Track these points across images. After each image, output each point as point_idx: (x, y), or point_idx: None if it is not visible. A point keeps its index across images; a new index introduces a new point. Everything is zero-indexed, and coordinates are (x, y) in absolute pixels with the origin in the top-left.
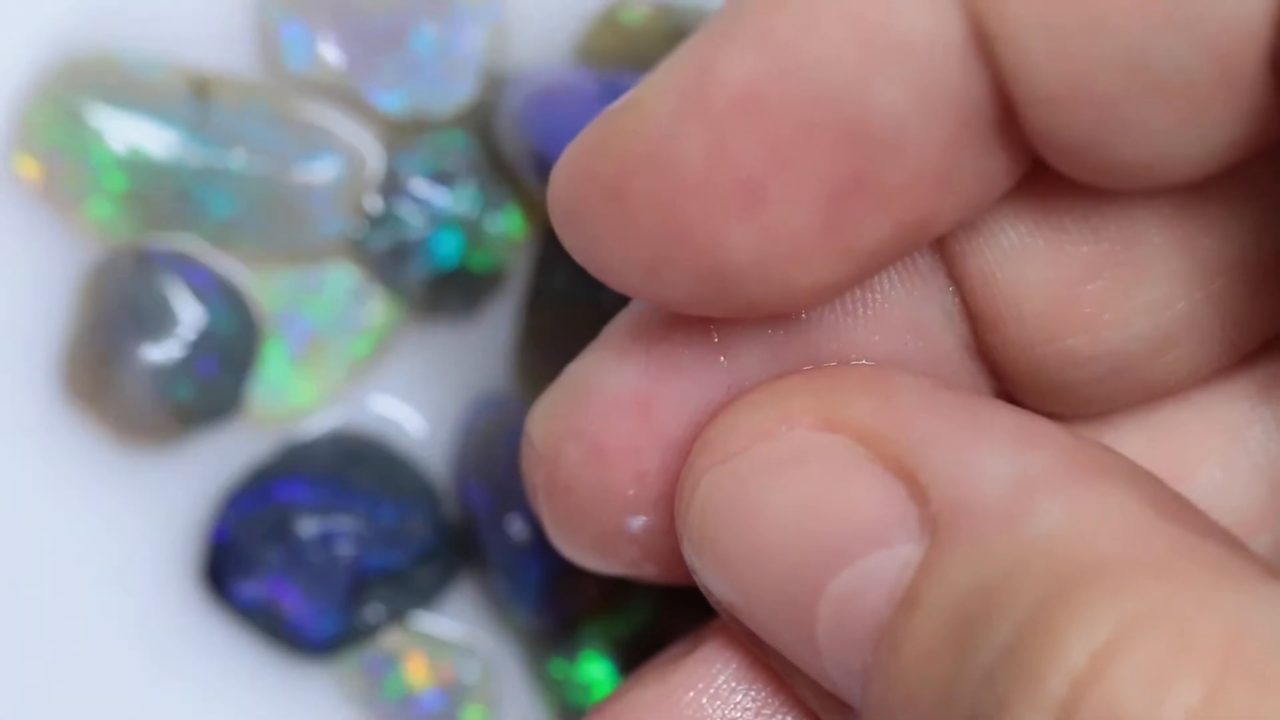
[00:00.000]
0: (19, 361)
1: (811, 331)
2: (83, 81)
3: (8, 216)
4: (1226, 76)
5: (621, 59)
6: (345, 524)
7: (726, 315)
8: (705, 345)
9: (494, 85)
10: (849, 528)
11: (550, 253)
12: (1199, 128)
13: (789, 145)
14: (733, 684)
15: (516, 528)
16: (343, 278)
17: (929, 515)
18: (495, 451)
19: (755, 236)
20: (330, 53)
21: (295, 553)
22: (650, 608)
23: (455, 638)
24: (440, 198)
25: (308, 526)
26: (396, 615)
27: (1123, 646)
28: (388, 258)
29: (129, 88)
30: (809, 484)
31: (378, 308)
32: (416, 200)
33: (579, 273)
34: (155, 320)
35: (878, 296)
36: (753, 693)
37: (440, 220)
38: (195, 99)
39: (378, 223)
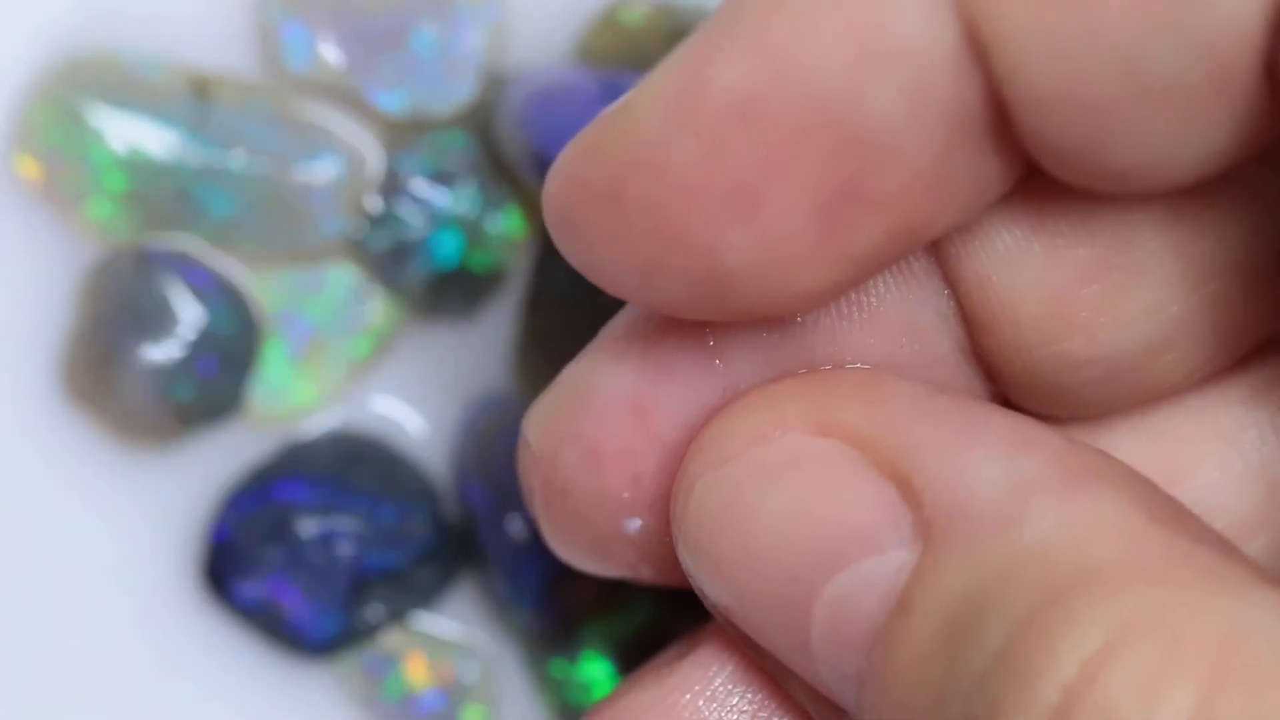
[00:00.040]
0: (19, 361)
1: (807, 335)
2: (83, 81)
3: (8, 216)
4: (1220, 81)
5: (621, 59)
6: (345, 524)
7: (721, 319)
8: (700, 349)
9: (494, 85)
10: (843, 532)
11: (550, 253)
12: (1193, 132)
13: (783, 150)
14: (729, 687)
15: (516, 528)
16: (343, 278)
17: (923, 520)
18: (495, 451)
19: (749, 241)
20: (330, 53)
21: (295, 553)
22: (650, 608)
23: (455, 638)
24: (440, 198)
25: (308, 526)
26: (396, 615)
27: (1116, 652)
28: (388, 258)
29: (129, 88)
30: (803, 488)
31: (378, 308)
32: (416, 200)
33: (578, 273)
34: (155, 320)
35: (873, 300)
36: (749, 695)
37: (440, 220)
38: (195, 99)
39: (378, 223)
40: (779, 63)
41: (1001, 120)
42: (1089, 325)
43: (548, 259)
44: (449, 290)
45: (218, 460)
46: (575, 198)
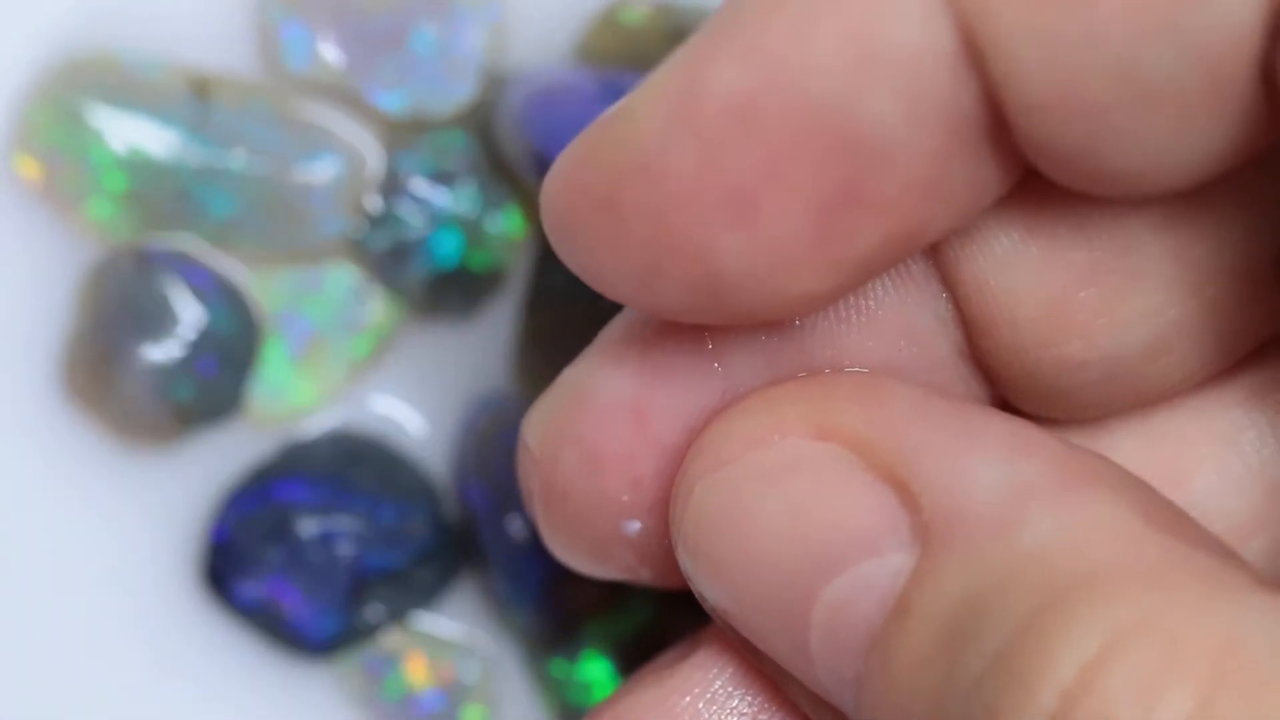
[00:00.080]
0: (19, 361)
1: (805, 338)
2: (83, 81)
3: (8, 216)
4: (1216, 85)
5: (621, 59)
6: (345, 524)
7: (720, 323)
8: (699, 352)
9: (494, 85)
10: (841, 536)
11: (550, 253)
12: (1190, 136)
13: (780, 155)
14: (729, 689)
15: (516, 528)
16: (343, 278)
17: (921, 523)
18: (495, 451)
19: (747, 246)
20: (330, 53)
21: (295, 553)
22: (650, 608)
23: (455, 638)
24: (440, 198)
25: (308, 526)
26: (396, 615)
27: (1114, 656)
28: (388, 258)
29: (129, 88)
30: (802, 492)
31: (378, 308)
32: (416, 200)
33: None
34: (155, 320)
35: (871, 303)
36: (748, 698)
37: (440, 220)
38: (195, 99)
39: (378, 223)
40: (776, 67)
41: (998, 124)
42: (1087, 328)
43: (548, 259)
44: (449, 290)
45: (218, 460)
46: (573, 202)
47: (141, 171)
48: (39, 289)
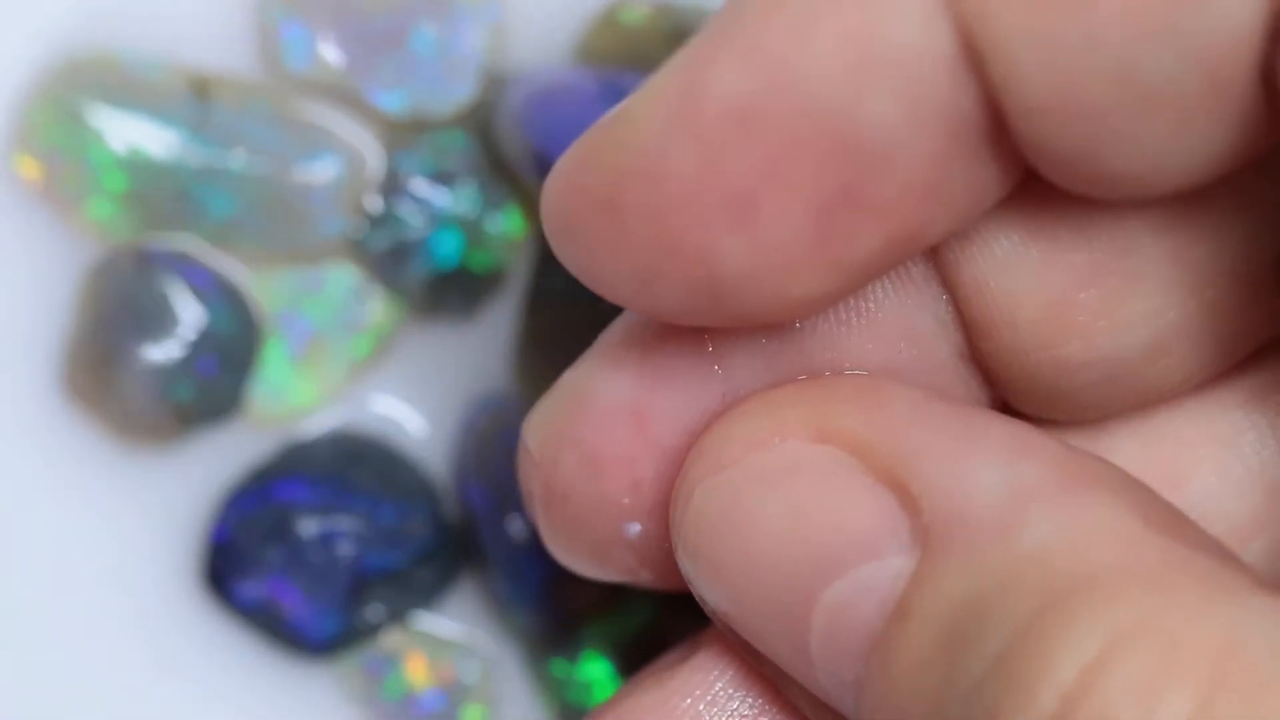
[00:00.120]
0: (19, 361)
1: (805, 340)
2: (83, 81)
3: (8, 216)
4: (1216, 87)
5: (621, 59)
6: (345, 524)
7: (720, 325)
8: (700, 354)
9: (494, 85)
10: (841, 538)
11: (550, 253)
12: (1189, 138)
13: (780, 158)
14: (729, 691)
15: (516, 528)
16: (343, 278)
17: (921, 526)
18: (495, 451)
19: (747, 248)
20: (330, 53)
21: (295, 553)
22: (650, 608)
23: (455, 638)
24: (440, 198)
25: (308, 526)
26: (396, 615)
27: (1114, 658)
28: (388, 258)
29: (129, 88)
30: (802, 495)
31: (378, 308)
32: (416, 200)
33: None
34: (155, 320)
35: (871, 305)
36: (749, 700)
37: (440, 220)
38: (195, 99)
39: (378, 223)
40: (776, 70)
41: (998, 126)
42: (1086, 330)
43: (548, 259)
44: (449, 290)
45: (218, 460)
46: (573, 205)
47: (142, 171)
48: (39, 289)
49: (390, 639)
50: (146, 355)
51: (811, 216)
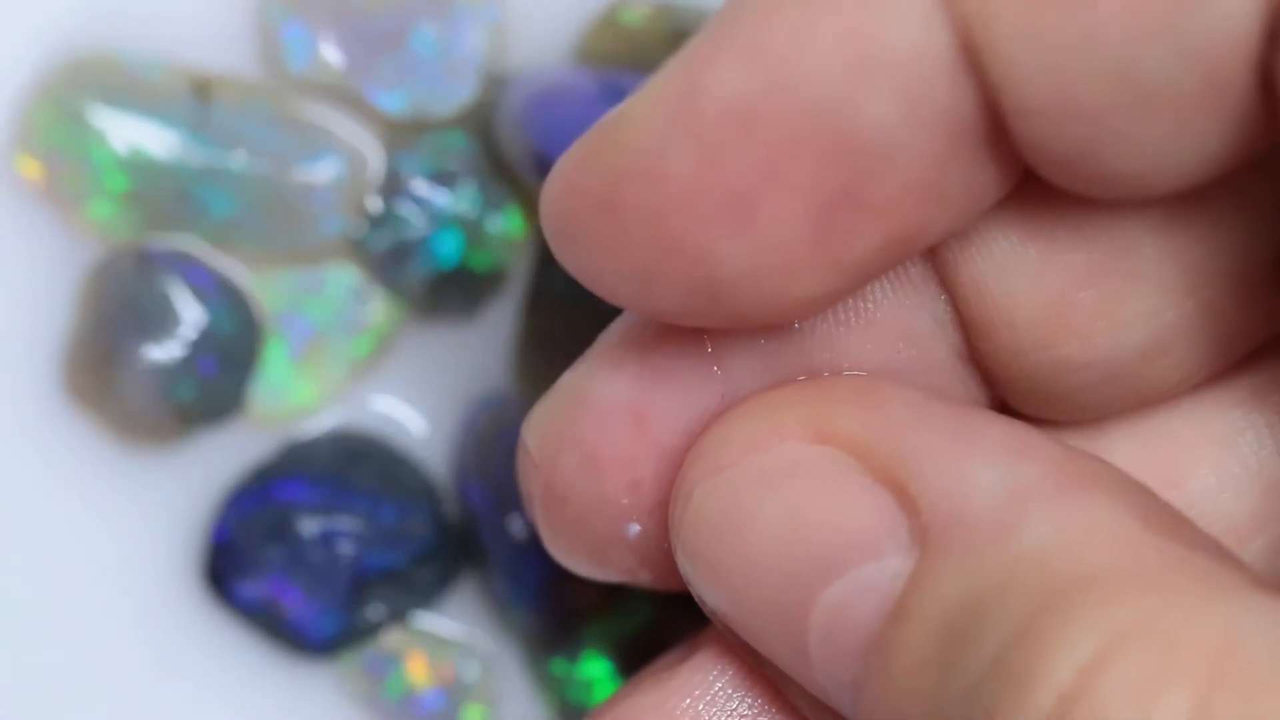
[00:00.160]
0: (19, 361)
1: (804, 341)
2: (84, 82)
3: (9, 216)
4: (1214, 88)
5: (621, 59)
6: (346, 524)
7: (719, 326)
8: (699, 355)
9: (494, 85)
10: (840, 539)
11: (550, 253)
12: (1187, 139)
13: (779, 159)
14: (729, 691)
15: (516, 528)
16: (343, 278)
17: (919, 527)
18: (495, 451)
19: (746, 249)
20: (330, 53)
21: (296, 552)
22: (650, 608)
23: (455, 637)
24: (440, 198)
25: (308, 526)
26: (397, 615)
27: (1111, 659)
28: (388, 258)
29: (130, 88)
30: (800, 496)
31: (378, 308)
32: (417, 200)
33: None
34: (156, 320)
35: (870, 306)
36: (748, 700)
37: (440, 220)
38: (196, 99)
39: (378, 223)
40: (775, 71)
41: (997, 127)
42: (1085, 330)
43: (548, 259)
44: (449, 290)
45: (218, 460)
46: (572, 206)
47: (142, 172)
48: (40, 289)
49: (390, 639)
50: (147, 355)
51: (811, 217)
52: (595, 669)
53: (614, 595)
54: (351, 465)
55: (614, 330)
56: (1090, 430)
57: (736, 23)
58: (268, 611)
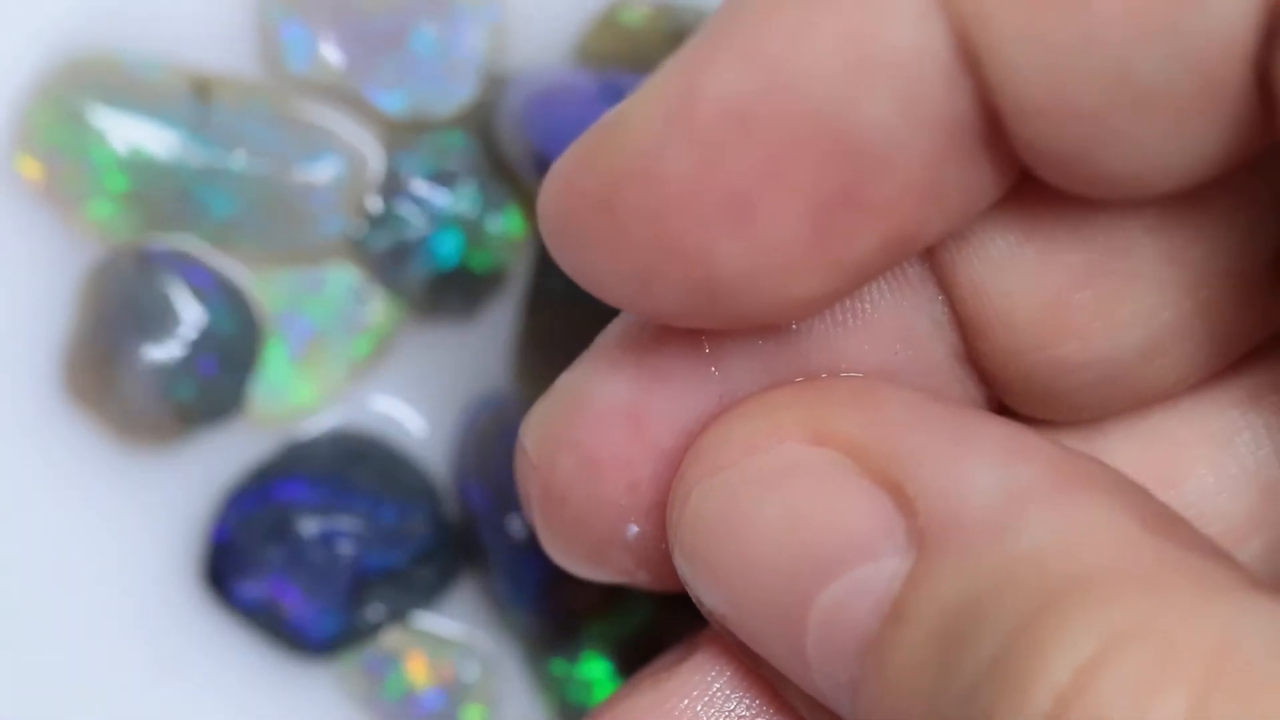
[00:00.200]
0: (19, 361)
1: (802, 342)
2: (84, 82)
3: (9, 216)
4: (1211, 88)
5: (621, 59)
6: (346, 524)
7: (717, 327)
8: (697, 356)
9: (494, 85)
10: (837, 540)
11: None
12: (1184, 139)
13: (777, 159)
14: (727, 692)
15: (516, 528)
16: (343, 278)
17: (916, 528)
18: (495, 451)
19: (744, 249)
20: (330, 53)
21: (296, 552)
22: (650, 608)
23: (455, 637)
24: (440, 198)
25: (308, 526)
26: (397, 615)
27: (1108, 659)
28: (388, 258)
29: (130, 88)
30: (798, 497)
31: (378, 308)
32: (417, 200)
33: None
34: (156, 320)
35: (868, 307)
36: (746, 700)
37: (440, 220)
38: (196, 99)
39: (378, 223)
40: (773, 71)
41: (994, 127)
42: (1083, 330)
43: (548, 259)
44: (449, 290)
45: (218, 460)
46: (570, 207)
47: (142, 172)
48: (40, 289)
49: (390, 639)
50: (147, 355)
51: (809, 217)
52: (595, 669)
53: (613, 596)
54: (351, 465)
55: (612, 331)
56: (1088, 430)
57: (735, 23)
58: (268, 611)
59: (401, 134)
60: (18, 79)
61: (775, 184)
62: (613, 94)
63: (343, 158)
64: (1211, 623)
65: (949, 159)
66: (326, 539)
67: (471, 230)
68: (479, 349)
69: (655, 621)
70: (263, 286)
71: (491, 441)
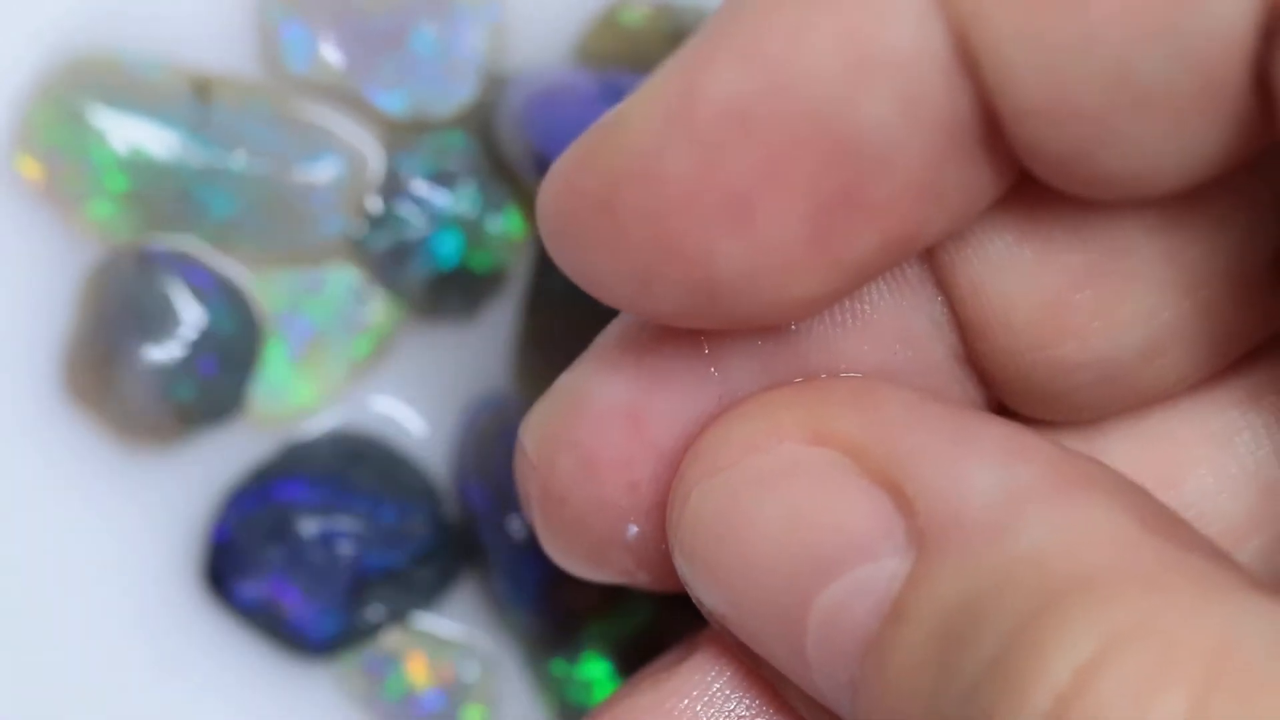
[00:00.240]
0: (20, 361)
1: (801, 342)
2: (84, 82)
3: (9, 216)
4: (1210, 89)
5: (621, 59)
6: (345, 524)
7: (716, 327)
8: (696, 357)
9: (494, 85)
10: (837, 540)
11: None
12: (1183, 140)
13: (776, 159)
14: (726, 692)
15: (516, 528)
16: (343, 278)
17: (916, 528)
18: (495, 451)
19: (744, 250)
20: (330, 53)
21: (296, 553)
22: (650, 608)
23: (455, 638)
24: (440, 198)
25: (308, 526)
26: (397, 615)
27: (1108, 659)
28: (388, 258)
29: (130, 88)
30: (798, 497)
31: (378, 308)
32: (417, 200)
33: None
34: (156, 320)
35: (867, 307)
36: (746, 701)
37: (440, 220)
38: (196, 99)
39: (378, 223)
40: (772, 71)
41: (993, 128)
42: (1082, 330)
43: (548, 259)
44: (449, 290)
45: (218, 460)
46: (570, 207)
47: (142, 172)
48: (40, 289)
49: (390, 639)
50: (147, 355)
51: (809, 217)
52: (595, 669)
53: (613, 596)
54: (351, 465)
55: (612, 331)
56: (1088, 431)
57: (734, 23)
58: (268, 611)
59: (401, 134)
60: (18, 79)
61: (775, 184)
62: (613, 94)
63: (343, 158)
64: (1211, 623)
65: (948, 159)
66: (326, 539)
67: (471, 230)
68: (479, 349)
69: (655, 621)
70: (263, 286)
71: (491, 441)
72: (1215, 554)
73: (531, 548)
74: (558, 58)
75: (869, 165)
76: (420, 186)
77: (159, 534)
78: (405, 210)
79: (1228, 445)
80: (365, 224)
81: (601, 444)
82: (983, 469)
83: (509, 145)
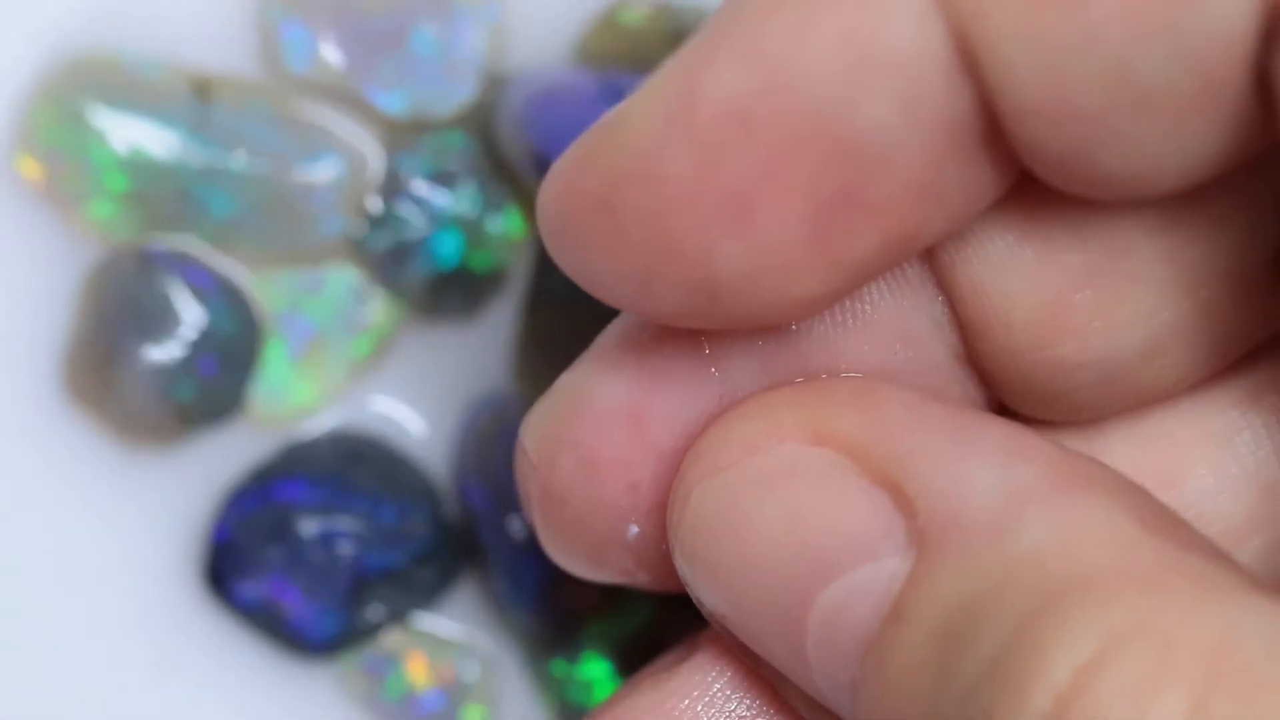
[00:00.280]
0: (20, 361)
1: (802, 342)
2: (84, 82)
3: (9, 216)
4: (1210, 89)
5: (621, 59)
6: (345, 524)
7: (717, 327)
8: (696, 357)
9: (494, 85)
10: (837, 540)
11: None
12: (1183, 140)
13: (777, 159)
14: (727, 692)
15: (516, 528)
16: (343, 278)
17: (916, 528)
18: (495, 451)
19: (744, 250)
20: (330, 53)
21: (296, 553)
22: (650, 609)
23: (455, 638)
24: (440, 198)
25: (308, 526)
26: (397, 615)
27: (1108, 660)
28: (388, 258)
29: (130, 88)
30: (798, 497)
31: (378, 308)
32: (417, 200)
33: None
34: (156, 320)
35: (867, 307)
36: (746, 701)
37: (440, 220)
38: (196, 99)
39: (378, 223)
40: (773, 71)
41: (993, 128)
42: (1082, 330)
43: (548, 259)
44: (449, 290)
45: (218, 460)
46: (570, 207)
47: (142, 172)
48: (40, 289)
49: (390, 639)
50: (147, 355)
51: (809, 217)
52: (595, 670)
53: (613, 596)
54: (351, 465)
55: (612, 331)
56: (1088, 430)
57: (734, 23)
58: (267, 611)
59: (401, 134)
60: (18, 79)
61: (775, 184)
62: (613, 95)
63: (343, 158)
64: (1211, 623)
65: (949, 159)
66: (326, 539)
67: (471, 230)
68: (479, 349)
69: (655, 621)
70: (263, 286)
71: (491, 441)
72: (1215, 554)
73: (531, 548)
74: (558, 58)
75: (869, 165)
76: (420, 186)
77: (159, 534)
78: (405, 210)
79: (1228, 445)
80: (365, 224)
81: (602, 444)
82: (983, 469)
83: (509, 145)
